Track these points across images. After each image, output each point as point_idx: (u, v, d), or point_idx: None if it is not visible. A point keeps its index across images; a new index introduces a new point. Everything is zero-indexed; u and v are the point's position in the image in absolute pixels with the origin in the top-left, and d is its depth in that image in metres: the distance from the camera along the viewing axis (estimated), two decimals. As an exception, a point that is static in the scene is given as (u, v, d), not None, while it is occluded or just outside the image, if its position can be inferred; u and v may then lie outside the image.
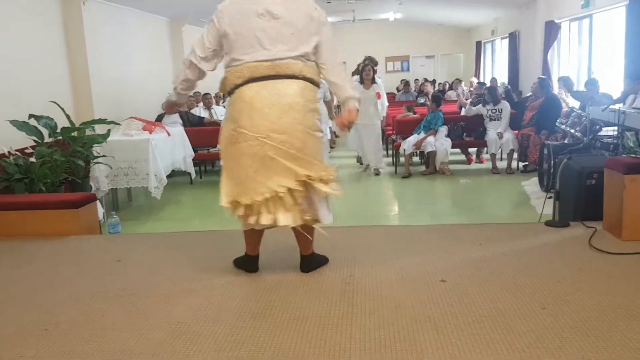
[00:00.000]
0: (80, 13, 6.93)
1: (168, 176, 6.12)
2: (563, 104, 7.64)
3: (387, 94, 14.36)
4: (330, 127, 10.26)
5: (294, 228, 2.66)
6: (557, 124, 6.43)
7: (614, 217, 3.19)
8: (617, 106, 4.61)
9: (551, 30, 10.02)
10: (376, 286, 2.61)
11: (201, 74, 2.76)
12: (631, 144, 3.70)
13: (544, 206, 4.12)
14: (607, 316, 2.18)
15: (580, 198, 3.53)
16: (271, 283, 2.72)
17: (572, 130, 5.93)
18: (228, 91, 2.63)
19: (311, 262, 2.85)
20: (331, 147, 10.22)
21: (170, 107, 3.15)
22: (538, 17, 10.48)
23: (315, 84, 2.66)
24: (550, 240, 3.17)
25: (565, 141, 6.19)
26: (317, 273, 2.81)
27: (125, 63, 8.59)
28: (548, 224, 3.48)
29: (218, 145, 8.02)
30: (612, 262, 2.79)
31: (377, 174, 7.75)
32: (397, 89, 15.80)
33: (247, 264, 2.86)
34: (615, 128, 4.86)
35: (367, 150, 7.74)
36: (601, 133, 5.63)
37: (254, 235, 2.80)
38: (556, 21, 9.89)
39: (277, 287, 2.67)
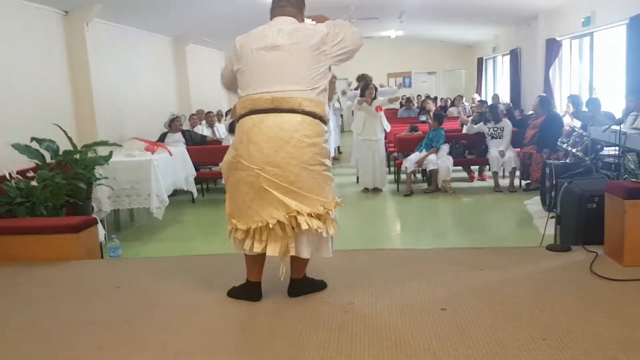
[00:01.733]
0: (84, 34, 7.00)
1: (170, 195, 6.14)
2: (570, 122, 7.65)
3: (389, 109, 14.46)
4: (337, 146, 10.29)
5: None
6: (558, 143, 6.42)
7: (615, 242, 3.17)
8: (617, 127, 4.60)
9: (552, 48, 10.07)
10: (376, 315, 2.60)
11: None
12: (632, 166, 3.69)
13: (546, 226, 4.10)
14: (608, 348, 2.16)
15: (581, 222, 3.51)
16: (271, 311, 2.70)
17: (574, 150, 5.92)
18: (236, 119, 2.74)
19: (300, 286, 2.84)
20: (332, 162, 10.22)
21: None
22: (539, 34, 10.54)
23: (317, 117, 2.63)
24: (551, 266, 3.15)
25: (567, 160, 6.17)
26: (317, 300, 2.80)
27: (128, 82, 8.66)
28: (549, 248, 3.46)
29: (220, 164, 8.08)
30: (613, 289, 2.77)
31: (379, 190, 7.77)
32: (401, 103, 15.86)
33: (249, 291, 2.82)
34: (617, 148, 4.85)
35: (374, 167, 7.73)
36: (603, 152, 5.62)
37: (256, 261, 2.79)
38: (557, 39, 9.94)
39: (276, 315, 2.65)
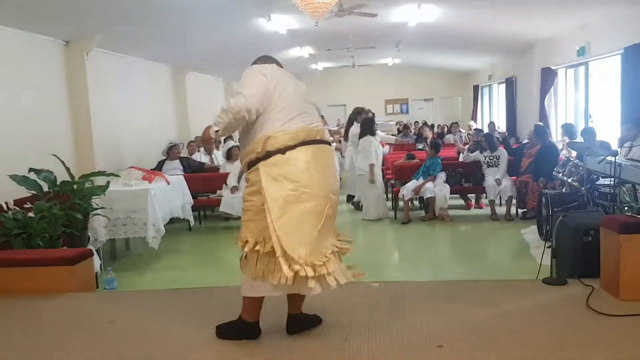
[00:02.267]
0: (84, 64, 7.06)
1: (167, 222, 6.13)
2: (564, 152, 7.71)
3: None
4: None
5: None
6: (554, 172, 6.45)
7: (610, 276, 3.17)
8: (612, 158, 4.63)
9: (548, 77, 10.18)
10: (372, 352, 2.58)
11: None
12: (627, 198, 3.71)
13: (543, 256, 4.10)
14: (605, 388, 2.14)
15: (577, 255, 3.52)
16: (267, 348, 2.68)
17: (570, 180, 5.95)
18: (274, 151, 2.58)
19: (298, 322, 2.83)
20: None
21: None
22: (534, 63, 10.67)
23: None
24: (548, 300, 3.15)
25: (563, 190, 6.20)
26: (313, 337, 2.78)
27: (127, 110, 8.72)
28: (546, 281, 3.46)
29: (218, 192, 8.01)
30: (609, 325, 2.76)
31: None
32: (398, 130, 15.97)
33: (250, 331, 2.75)
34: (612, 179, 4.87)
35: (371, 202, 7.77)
36: (599, 182, 5.64)
37: (261, 300, 2.73)
38: (552, 68, 10.06)
39: (273, 352, 2.63)
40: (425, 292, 3.45)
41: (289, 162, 2.57)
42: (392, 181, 8.55)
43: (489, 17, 8.79)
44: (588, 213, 3.87)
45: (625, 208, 3.61)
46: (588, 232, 3.48)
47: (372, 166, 7.63)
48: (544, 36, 10.05)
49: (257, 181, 2.60)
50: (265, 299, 2.73)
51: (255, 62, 2.88)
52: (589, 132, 6.90)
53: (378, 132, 7.95)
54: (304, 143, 2.62)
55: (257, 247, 2.57)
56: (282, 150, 2.58)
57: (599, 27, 8.25)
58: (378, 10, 8.00)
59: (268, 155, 2.58)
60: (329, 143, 2.80)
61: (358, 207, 8.40)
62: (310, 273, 2.51)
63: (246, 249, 2.61)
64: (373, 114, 8.94)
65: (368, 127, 7.82)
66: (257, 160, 2.61)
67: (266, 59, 2.91)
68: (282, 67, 2.89)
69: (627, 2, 6.98)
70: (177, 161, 8.41)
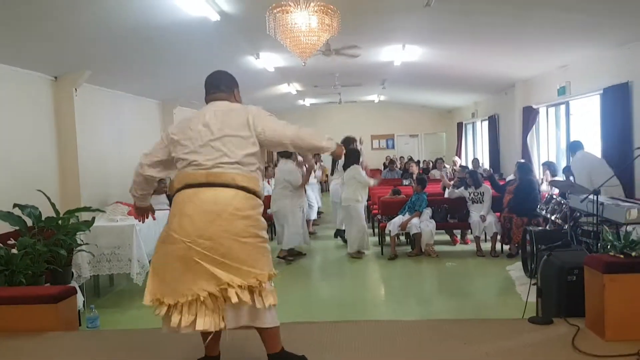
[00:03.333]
0: (72, 99, 7.08)
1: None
2: (547, 188, 7.82)
3: (373, 170, 14.67)
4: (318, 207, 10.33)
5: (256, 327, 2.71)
6: (538, 209, 6.55)
7: (596, 316, 3.20)
8: (594, 197, 4.71)
9: (529, 115, 10.41)
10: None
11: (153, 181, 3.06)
12: (610, 237, 3.76)
13: (529, 294, 4.12)
14: None
15: (562, 294, 3.55)
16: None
17: (553, 217, 6.03)
18: (172, 193, 2.81)
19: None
20: (315, 225, 10.25)
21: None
22: (516, 102, 10.91)
23: (250, 191, 2.73)
24: (533, 341, 3.16)
25: (547, 227, 6.28)
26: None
27: (115, 145, 8.72)
28: (531, 320, 3.47)
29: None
30: (596, 366, 2.77)
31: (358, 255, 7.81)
32: (384, 164, 16.14)
33: None
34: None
35: (350, 235, 7.81)
36: (582, 219, 5.73)
37: (209, 334, 2.75)
38: (534, 106, 10.30)
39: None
40: (413, 331, 3.44)
41: (172, 204, 2.76)
42: (379, 216, 8.59)
43: (471, 58, 9.03)
44: (572, 252, 3.92)
45: (609, 246, 3.65)
46: (572, 271, 3.52)
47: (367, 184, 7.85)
48: (525, 76, 10.32)
49: None
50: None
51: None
52: (570, 170, 7.02)
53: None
54: (185, 187, 2.70)
55: None
56: (174, 193, 2.78)
57: (578, 68, 8.51)
58: (364, 51, 8.19)
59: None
60: (226, 184, 2.68)
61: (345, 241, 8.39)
62: (162, 311, 2.64)
63: None
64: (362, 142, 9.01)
65: (353, 157, 7.84)
66: None
67: (206, 86, 2.96)
68: (209, 88, 2.91)
69: (606, 45, 7.24)
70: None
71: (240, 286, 2.58)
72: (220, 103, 2.87)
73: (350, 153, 8.01)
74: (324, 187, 14.79)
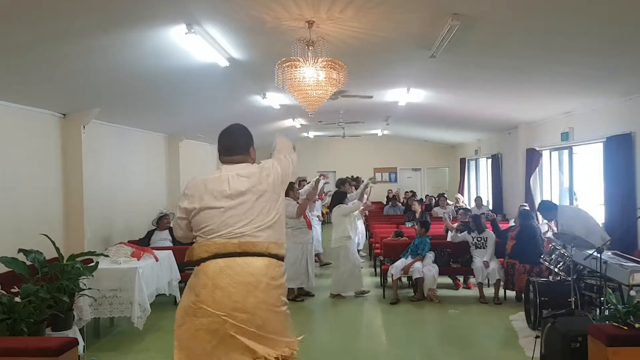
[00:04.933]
0: (80, 136, 7.18)
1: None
2: (549, 233, 7.80)
3: (375, 202, 14.67)
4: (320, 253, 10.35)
5: None
6: (541, 259, 6.52)
7: (600, 388, 3.18)
8: (597, 255, 4.71)
9: (532, 157, 10.47)
10: None
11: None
12: (614, 300, 3.76)
13: (535, 349, 4.10)
14: None
15: (566, 361, 3.53)
16: None
17: (556, 269, 6.01)
18: (194, 262, 2.68)
19: None
20: (322, 265, 10.23)
21: None
22: (519, 143, 10.99)
23: (280, 258, 2.71)
24: (538, 412, 3.13)
25: (550, 278, 6.26)
26: None
27: (120, 179, 8.79)
28: (536, 387, 3.45)
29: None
30: None
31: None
32: (387, 198, 16.16)
33: None
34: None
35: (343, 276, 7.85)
36: (586, 272, 5.70)
37: None
38: (537, 149, 10.36)
39: None
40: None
41: (198, 274, 2.63)
42: (381, 257, 8.57)
43: (474, 101, 9.14)
44: (576, 318, 3.91)
45: (612, 309, 3.64)
46: (576, 339, 3.51)
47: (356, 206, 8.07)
48: (528, 119, 10.41)
49: None
50: None
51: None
52: (577, 216, 6.84)
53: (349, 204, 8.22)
54: (215, 256, 2.58)
55: None
56: (197, 262, 2.66)
57: (582, 115, 8.59)
58: (370, 94, 8.30)
59: (193, 264, 2.70)
60: (261, 254, 2.64)
61: None
62: None
63: None
64: (357, 179, 9.17)
65: (338, 198, 8.20)
66: None
67: (219, 147, 2.87)
68: (228, 149, 2.83)
69: (610, 94, 7.33)
70: (167, 231, 8.39)
71: (276, 358, 2.54)
72: (242, 166, 2.76)
73: (337, 195, 8.35)
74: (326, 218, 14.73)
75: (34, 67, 5.09)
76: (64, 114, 7.17)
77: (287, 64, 4.57)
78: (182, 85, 6.84)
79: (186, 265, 7.68)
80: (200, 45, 5.06)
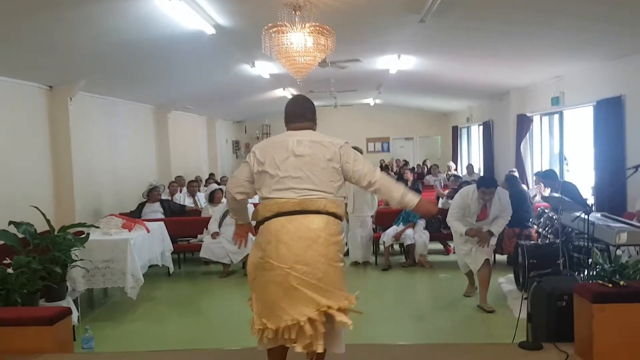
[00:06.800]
0: (67, 108, 7.10)
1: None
2: (538, 197, 7.86)
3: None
4: None
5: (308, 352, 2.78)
6: (529, 222, 6.59)
7: (584, 344, 3.25)
8: (585, 216, 4.76)
9: (523, 123, 10.48)
10: None
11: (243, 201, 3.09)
12: (600, 260, 3.82)
13: (520, 311, 4.16)
14: None
15: (551, 319, 3.59)
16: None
17: (544, 232, 6.09)
18: (258, 221, 2.87)
19: None
20: None
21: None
22: (510, 109, 10.97)
23: (339, 217, 2.87)
24: (524, 368, 3.21)
25: (539, 241, 6.33)
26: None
27: (109, 152, 8.73)
28: (522, 345, 3.52)
29: (199, 236, 7.93)
30: (584, 397, 2.82)
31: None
32: (380, 167, 16.17)
33: None
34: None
35: (363, 242, 7.87)
36: (574, 234, 5.78)
37: (278, 354, 2.92)
38: (528, 115, 10.36)
39: None
40: (405, 355, 3.48)
41: (263, 232, 2.83)
42: (373, 226, 8.62)
43: (465, 67, 9.07)
44: (562, 278, 3.97)
45: (598, 269, 3.71)
46: (562, 297, 3.56)
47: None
48: (519, 84, 10.38)
49: None
50: None
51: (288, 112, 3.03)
52: (569, 189, 6.75)
53: None
54: (277, 215, 2.78)
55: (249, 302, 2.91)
56: (262, 221, 2.84)
57: (572, 79, 8.57)
58: (358, 58, 8.22)
59: (256, 224, 2.89)
60: (318, 211, 2.80)
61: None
62: (270, 335, 2.72)
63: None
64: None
65: None
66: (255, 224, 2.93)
67: (285, 116, 3.03)
68: (295, 117, 2.98)
69: (599, 58, 7.29)
70: (158, 204, 8.38)
71: (339, 309, 2.71)
72: (307, 132, 2.94)
73: None
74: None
75: (16, 38, 5.00)
76: (51, 87, 7.07)
77: (273, 29, 4.51)
78: (168, 54, 6.75)
79: (178, 237, 7.80)
80: (184, 12, 4.98)
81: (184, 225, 8.00)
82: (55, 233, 4.82)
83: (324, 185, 2.82)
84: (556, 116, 9.70)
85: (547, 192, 8.07)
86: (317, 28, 4.50)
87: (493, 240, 5.79)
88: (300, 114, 3.00)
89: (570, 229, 5.80)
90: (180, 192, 9.76)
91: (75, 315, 4.81)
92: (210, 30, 5.75)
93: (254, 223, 3.04)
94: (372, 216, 8.06)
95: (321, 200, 2.80)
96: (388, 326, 5.42)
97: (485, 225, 5.76)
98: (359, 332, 5.14)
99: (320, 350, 2.69)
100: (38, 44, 5.27)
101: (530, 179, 10.15)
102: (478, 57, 8.12)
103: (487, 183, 5.72)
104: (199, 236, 7.90)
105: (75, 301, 5.24)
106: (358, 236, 7.86)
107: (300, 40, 4.50)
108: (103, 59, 6.41)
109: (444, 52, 7.97)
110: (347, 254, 8.22)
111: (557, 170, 9.57)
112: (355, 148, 8.58)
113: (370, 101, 16.90)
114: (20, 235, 4.73)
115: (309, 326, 2.66)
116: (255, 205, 3.55)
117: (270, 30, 4.49)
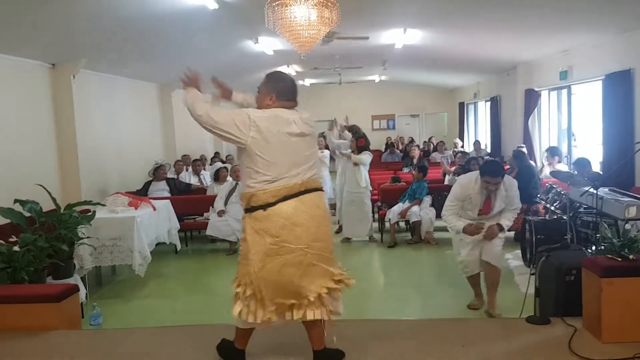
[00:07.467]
0: (70, 86, 7.05)
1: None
2: (548, 175, 7.77)
3: (374, 150, 14.45)
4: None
5: (305, 322, 2.86)
6: (537, 198, 6.54)
7: (593, 318, 3.23)
8: (594, 191, 4.71)
9: (531, 98, 10.35)
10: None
11: None
12: (609, 235, 3.78)
13: (528, 288, 4.14)
14: None
15: (560, 294, 3.57)
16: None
17: (552, 207, 6.04)
18: (257, 207, 2.76)
19: (325, 356, 2.93)
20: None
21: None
22: (518, 84, 10.83)
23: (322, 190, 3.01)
24: (530, 342, 3.19)
25: (547, 217, 6.28)
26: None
27: (114, 131, 8.70)
28: (529, 320, 3.50)
29: (205, 214, 7.89)
30: (591, 371, 2.81)
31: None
32: (385, 146, 16.07)
33: (236, 357, 3.01)
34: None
35: (356, 218, 7.82)
36: (581, 210, 5.73)
37: (249, 332, 2.97)
38: (535, 89, 10.23)
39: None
40: (412, 333, 3.48)
41: (270, 218, 2.76)
42: (379, 203, 8.61)
43: (472, 40, 8.93)
44: (571, 252, 3.94)
45: (607, 244, 3.67)
46: (570, 272, 3.53)
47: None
48: (526, 58, 10.23)
49: (245, 230, 2.83)
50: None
51: (268, 83, 2.93)
52: (581, 164, 6.57)
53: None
54: (285, 198, 2.77)
55: (239, 290, 2.83)
56: (264, 207, 2.77)
57: (580, 53, 8.42)
58: (366, 35, 8.10)
59: (252, 209, 2.78)
60: (317, 189, 2.91)
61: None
62: (289, 316, 2.79)
63: (233, 288, 2.88)
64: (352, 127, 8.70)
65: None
66: (245, 210, 2.83)
67: (279, 88, 2.90)
68: (295, 95, 2.94)
69: (608, 31, 7.15)
70: (164, 182, 8.39)
71: (342, 275, 2.91)
72: (298, 112, 2.93)
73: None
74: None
75: (17, 15, 4.93)
76: (53, 64, 7.02)
77: (277, 3, 4.42)
78: (170, 30, 6.67)
79: (185, 215, 7.81)
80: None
81: (190, 204, 8.02)
82: (62, 211, 4.81)
83: (314, 160, 2.96)
84: (564, 91, 9.57)
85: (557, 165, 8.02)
86: (321, 0, 4.40)
87: (502, 235, 4.74)
88: (296, 94, 2.98)
89: (578, 204, 5.75)
90: (187, 170, 9.76)
91: (83, 292, 4.83)
92: (212, 5, 5.66)
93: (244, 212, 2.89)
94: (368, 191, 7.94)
95: (316, 179, 2.93)
96: (394, 302, 5.44)
97: (488, 222, 4.71)
98: (366, 308, 5.20)
99: (341, 311, 2.92)
100: (37, 20, 5.20)
101: (538, 154, 10.06)
102: (485, 30, 7.98)
103: (492, 171, 4.53)
104: (205, 214, 7.91)
105: (83, 279, 5.26)
106: (351, 212, 7.82)
107: (304, 13, 4.42)
108: (105, 36, 6.34)
109: (450, 25, 7.83)
110: (339, 230, 8.23)
111: (565, 147, 9.51)
112: (352, 127, 8.53)
113: (376, 78, 16.73)
114: (26, 214, 4.73)
115: (327, 296, 2.82)
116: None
117: (274, 4, 4.41)
